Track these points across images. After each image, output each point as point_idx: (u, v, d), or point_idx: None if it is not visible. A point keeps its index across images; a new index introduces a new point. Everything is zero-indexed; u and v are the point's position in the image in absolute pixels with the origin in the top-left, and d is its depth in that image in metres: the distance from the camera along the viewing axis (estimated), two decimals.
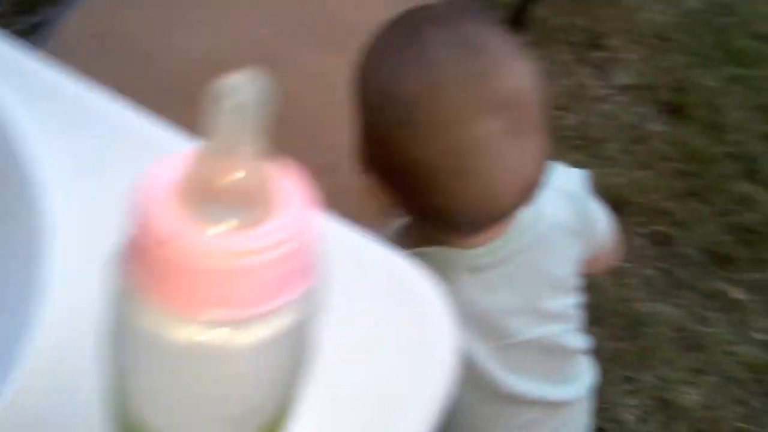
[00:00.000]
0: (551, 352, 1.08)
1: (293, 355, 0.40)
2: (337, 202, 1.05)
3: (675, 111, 2.23)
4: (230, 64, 1.27)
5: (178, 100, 1.27)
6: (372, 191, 0.92)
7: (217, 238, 0.34)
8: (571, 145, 2.11)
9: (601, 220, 1.12)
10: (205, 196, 0.34)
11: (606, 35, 2.36)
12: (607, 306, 1.86)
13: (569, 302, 1.08)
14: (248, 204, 0.35)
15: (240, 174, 0.34)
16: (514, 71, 0.87)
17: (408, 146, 0.85)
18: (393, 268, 0.67)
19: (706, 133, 2.20)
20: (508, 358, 1.04)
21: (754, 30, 2.46)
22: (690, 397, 1.76)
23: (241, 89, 0.33)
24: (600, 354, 1.80)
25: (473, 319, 1.00)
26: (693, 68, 2.33)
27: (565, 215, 1.04)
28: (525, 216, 0.98)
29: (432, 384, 0.60)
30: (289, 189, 0.36)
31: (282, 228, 0.35)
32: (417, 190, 0.89)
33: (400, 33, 0.89)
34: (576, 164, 2.06)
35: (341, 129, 0.92)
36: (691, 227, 2.01)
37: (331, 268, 0.66)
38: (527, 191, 0.91)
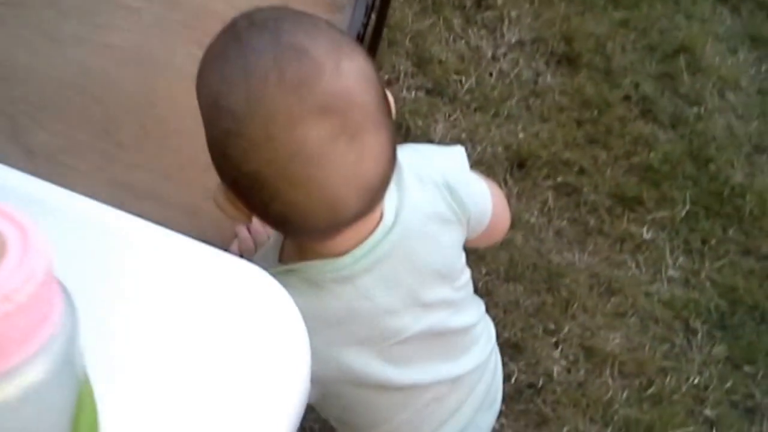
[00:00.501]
0: (440, 337, 1.06)
1: (58, 399, 0.39)
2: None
3: (567, 61, 2.25)
4: (108, 74, 1.23)
5: (51, 117, 1.24)
6: (228, 197, 0.89)
7: None
8: (472, 107, 2.12)
9: (479, 196, 1.08)
10: None
11: None
12: (522, 262, 1.87)
13: (454, 286, 1.06)
14: None
15: None
16: (341, 72, 0.82)
17: (239, 157, 0.82)
18: (247, 284, 0.66)
19: (600, 80, 2.22)
20: (395, 355, 1.02)
21: None
22: (613, 341, 1.79)
23: None
24: (521, 310, 1.83)
25: (356, 325, 0.99)
26: (579, 16, 2.35)
27: (435, 205, 1.01)
28: (389, 215, 0.95)
29: (282, 401, 0.59)
30: (12, 238, 0.35)
31: (6, 282, 0.33)
32: (257, 199, 0.86)
33: (226, 41, 0.85)
34: (478, 125, 2.09)
35: None
36: (596, 174, 2.04)
37: (181, 284, 0.65)
38: (371, 193, 0.87)
